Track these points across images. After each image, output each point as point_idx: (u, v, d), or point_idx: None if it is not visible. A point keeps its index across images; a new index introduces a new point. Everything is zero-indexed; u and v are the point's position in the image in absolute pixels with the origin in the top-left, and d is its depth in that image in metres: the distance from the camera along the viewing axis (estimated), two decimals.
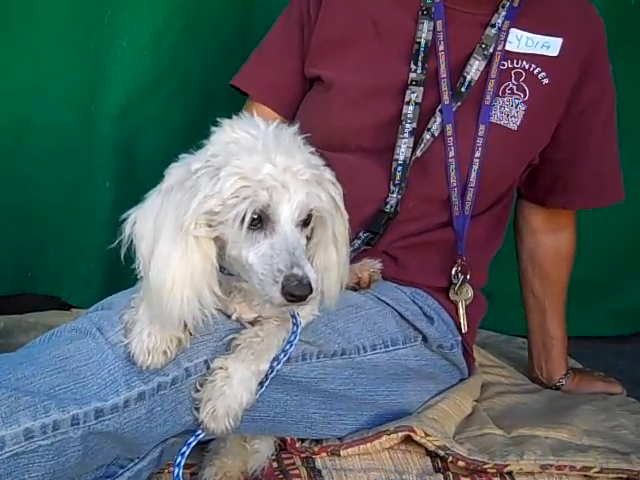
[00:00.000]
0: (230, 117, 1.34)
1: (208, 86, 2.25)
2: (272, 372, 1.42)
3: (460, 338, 1.81)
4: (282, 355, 1.43)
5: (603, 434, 1.76)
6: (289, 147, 1.28)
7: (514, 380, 2.11)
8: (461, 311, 1.81)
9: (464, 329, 1.81)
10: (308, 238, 1.34)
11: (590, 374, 2.18)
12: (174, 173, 1.29)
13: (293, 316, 1.43)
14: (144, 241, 1.26)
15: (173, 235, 1.24)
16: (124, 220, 1.29)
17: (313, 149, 1.33)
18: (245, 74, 1.98)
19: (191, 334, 1.36)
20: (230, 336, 1.41)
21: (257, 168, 1.23)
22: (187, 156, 1.34)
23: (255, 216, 1.24)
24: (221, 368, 1.37)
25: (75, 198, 2.33)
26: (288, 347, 1.43)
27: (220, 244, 1.30)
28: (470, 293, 1.81)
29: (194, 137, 1.88)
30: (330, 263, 1.37)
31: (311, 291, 1.22)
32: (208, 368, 1.39)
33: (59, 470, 1.26)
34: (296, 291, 1.21)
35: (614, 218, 2.55)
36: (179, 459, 1.37)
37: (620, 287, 2.69)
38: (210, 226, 1.27)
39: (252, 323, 1.45)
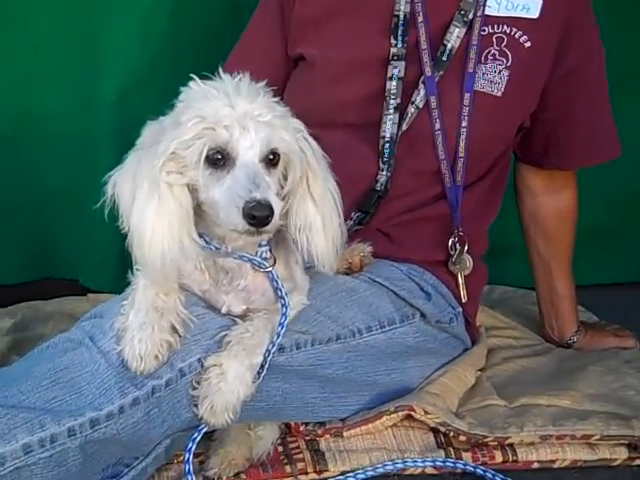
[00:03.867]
0: None
1: (202, 68, 2.23)
2: (269, 355, 1.45)
3: (461, 309, 1.82)
4: (276, 337, 1.45)
5: (608, 397, 1.77)
6: (250, 94, 1.32)
7: (525, 341, 2.12)
8: (460, 281, 1.82)
9: (464, 299, 1.82)
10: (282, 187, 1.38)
11: (603, 329, 2.18)
12: (148, 130, 1.35)
13: (281, 297, 1.46)
14: (124, 198, 1.31)
15: (148, 187, 1.29)
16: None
17: (277, 99, 1.37)
18: (232, 65, 1.97)
19: (180, 336, 1.39)
20: (222, 333, 1.44)
21: (216, 110, 1.29)
22: (163, 118, 1.38)
23: (216, 154, 1.29)
24: (215, 365, 1.40)
25: (81, 184, 2.34)
26: (280, 329, 1.46)
27: (194, 195, 1.34)
28: (469, 263, 1.81)
29: None
30: (312, 222, 1.40)
31: (271, 212, 1.25)
32: (202, 366, 1.42)
33: (62, 479, 1.31)
34: (255, 212, 1.24)
35: (626, 161, 2.49)
36: (190, 444, 1.43)
37: (635, 232, 2.63)
38: (180, 173, 1.31)
39: (242, 317, 1.47)
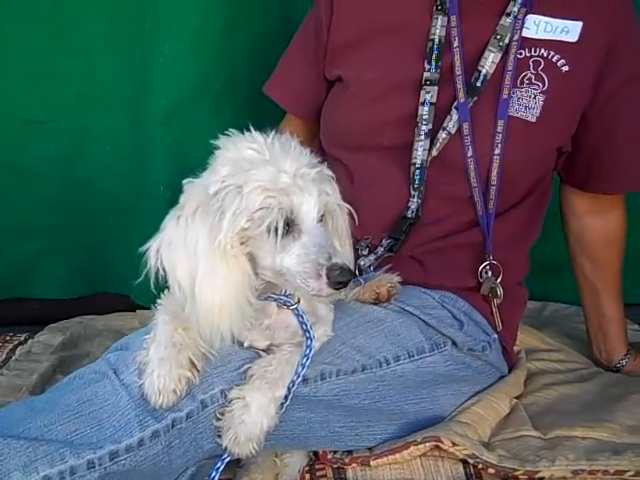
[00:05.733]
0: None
1: (254, 83, 2.25)
2: (294, 386, 1.46)
3: (496, 336, 1.79)
4: (300, 369, 1.47)
5: None
6: (292, 153, 1.35)
7: (571, 365, 2.06)
8: (494, 309, 1.79)
9: (498, 327, 1.79)
10: None
11: None
12: (192, 198, 1.35)
13: (306, 330, 1.47)
14: (179, 268, 1.33)
15: (212, 258, 1.31)
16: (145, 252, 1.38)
17: (308, 150, 1.40)
18: (273, 81, 2.01)
19: (199, 371, 1.41)
20: (245, 366, 1.46)
21: (274, 178, 1.31)
22: (193, 180, 1.41)
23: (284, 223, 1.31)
24: (238, 398, 1.42)
25: (133, 202, 2.41)
26: (306, 361, 1.47)
27: (249, 257, 1.36)
28: (500, 292, 1.77)
29: None
30: None
31: (353, 275, 1.32)
32: (225, 397, 1.44)
33: None
34: (341, 278, 1.30)
35: None
36: (213, 474, 1.45)
37: None
38: (242, 243, 1.34)
39: (266, 350, 1.49)
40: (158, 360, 1.38)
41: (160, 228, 1.38)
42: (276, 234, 1.32)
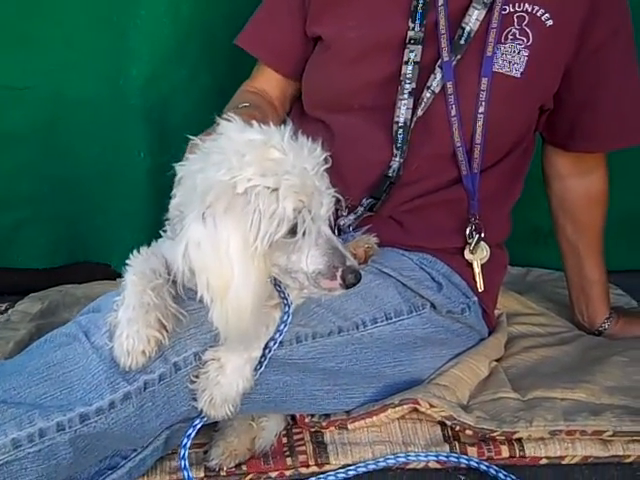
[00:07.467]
0: None
1: (233, 48, 2.23)
2: (270, 352, 1.46)
3: (476, 299, 1.78)
4: (277, 335, 1.46)
5: (627, 390, 1.70)
6: (309, 151, 1.34)
7: (552, 329, 2.05)
8: (477, 270, 1.77)
9: (480, 289, 1.77)
10: None
11: (636, 316, 2.10)
12: (219, 196, 1.27)
13: (284, 297, 1.45)
14: (210, 272, 1.28)
15: (247, 261, 1.28)
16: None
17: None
18: (249, 34, 1.96)
19: (168, 332, 1.38)
20: None
21: (304, 182, 1.29)
22: (185, 164, 1.38)
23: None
24: (213, 359, 1.41)
25: (113, 169, 2.37)
26: (283, 327, 1.45)
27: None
28: (486, 251, 1.76)
29: (225, 99, 1.92)
30: None
31: (361, 276, 1.36)
32: (199, 360, 1.43)
33: (52, 472, 1.34)
34: (354, 280, 1.35)
35: None
36: (185, 440, 1.44)
37: None
38: (270, 245, 1.31)
39: None
40: (127, 321, 1.36)
41: (183, 226, 1.31)
42: (294, 234, 1.30)
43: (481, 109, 1.67)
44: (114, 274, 2.41)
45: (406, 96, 1.70)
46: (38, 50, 2.30)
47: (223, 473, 1.54)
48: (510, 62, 1.68)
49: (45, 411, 1.33)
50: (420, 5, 1.70)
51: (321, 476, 1.53)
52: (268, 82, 1.95)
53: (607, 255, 2.04)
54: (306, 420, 1.64)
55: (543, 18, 1.67)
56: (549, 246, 2.25)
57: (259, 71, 1.97)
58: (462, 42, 1.68)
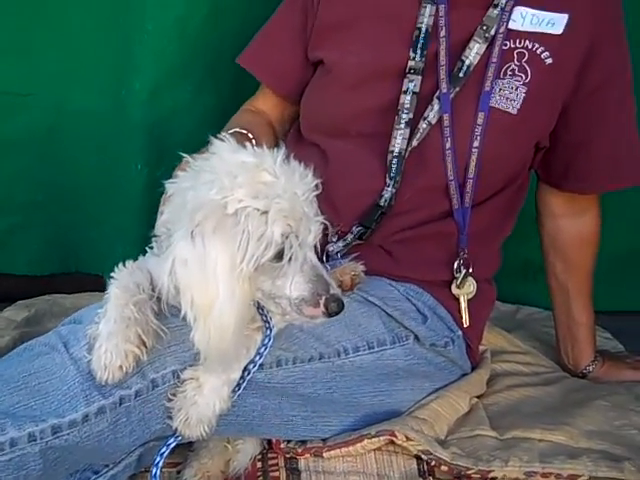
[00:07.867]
0: None
1: (238, 68, 2.24)
2: (249, 374, 1.45)
3: (460, 333, 1.77)
4: (257, 358, 1.45)
5: (606, 435, 1.69)
6: (299, 177, 1.34)
7: (536, 368, 2.03)
8: (463, 305, 1.77)
9: (465, 324, 1.77)
10: None
11: (621, 360, 2.08)
12: (207, 217, 1.27)
13: (266, 321, 1.44)
14: (195, 289, 1.27)
15: (233, 282, 1.28)
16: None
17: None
18: (251, 54, 1.98)
19: (147, 348, 1.38)
20: None
21: (294, 207, 1.30)
22: (175, 181, 1.39)
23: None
24: (192, 379, 1.40)
25: (110, 181, 2.37)
26: (263, 350, 1.45)
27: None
28: (473, 287, 1.76)
29: (227, 119, 1.92)
30: None
31: (344, 305, 1.36)
32: (177, 378, 1.42)
33: None
34: (337, 309, 1.35)
35: None
36: (158, 459, 1.43)
37: None
38: (256, 269, 1.31)
39: None
40: (107, 334, 1.35)
41: (170, 243, 1.32)
42: (281, 259, 1.31)
43: (475, 143, 1.68)
44: (104, 286, 2.41)
45: (403, 126, 1.70)
46: (43, 58, 2.30)
47: None
48: (507, 98, 1.68)
49: (17, 420, 1.32)
50: (422, 35, 1.71)
51: None
52: (268, 102, 1.96)
53: (595, 295, 2.04)
54: (282, 445, 1.63)
55: (543, 56, 1.68)
56: (539, 282, 2.24)
57: (261, 91, 1.99)
58: (461, 75, 1.68)
